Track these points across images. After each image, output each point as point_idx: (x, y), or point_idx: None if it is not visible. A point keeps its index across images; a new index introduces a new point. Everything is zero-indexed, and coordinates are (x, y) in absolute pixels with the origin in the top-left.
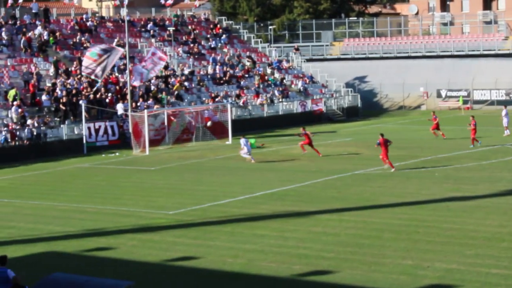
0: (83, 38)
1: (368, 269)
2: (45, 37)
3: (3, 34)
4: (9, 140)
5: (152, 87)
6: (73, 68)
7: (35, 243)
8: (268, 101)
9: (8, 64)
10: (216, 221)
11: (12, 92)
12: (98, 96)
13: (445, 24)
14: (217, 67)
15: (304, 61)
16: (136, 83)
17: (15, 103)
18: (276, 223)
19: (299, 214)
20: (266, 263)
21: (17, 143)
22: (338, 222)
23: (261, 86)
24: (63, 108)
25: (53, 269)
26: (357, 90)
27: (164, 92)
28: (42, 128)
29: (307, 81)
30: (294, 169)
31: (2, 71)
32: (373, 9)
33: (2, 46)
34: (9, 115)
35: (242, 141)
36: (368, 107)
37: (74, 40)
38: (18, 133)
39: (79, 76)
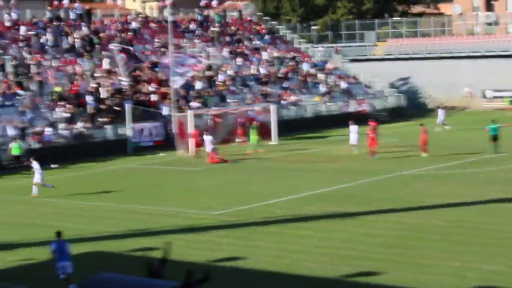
0: (127, 39)
1: (415, 270)
2: (90, 38)
3: (48, 35)
4: (55, 139)
5: (197, 88)
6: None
7: (80, 243)
8: (316, 100)
9: (53, 65)
10: (261, 221)
11: (57, 88)
12: (142, 97)
13: (489, 24)
14: (261, 67)
15: (348, 62)
16: (179, 84)
17: (60, 103)
18: (321, 224)
19: (344, 215)
20: (311, 263)
21: (62, 143)
22: (383, 223)
23: (304, 86)
24: (108, 108)
25: (99, 269)
26: (401, 91)
27: (209, 93)
28: (87, 128)
29: (351, 81)
30: (338, 170)
31: (47, 72)
32: (417, 9)
33: (47, 47)
34: (55, 115)
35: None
36: (412, 107)
37: (118, 40)
38: (63, 133)
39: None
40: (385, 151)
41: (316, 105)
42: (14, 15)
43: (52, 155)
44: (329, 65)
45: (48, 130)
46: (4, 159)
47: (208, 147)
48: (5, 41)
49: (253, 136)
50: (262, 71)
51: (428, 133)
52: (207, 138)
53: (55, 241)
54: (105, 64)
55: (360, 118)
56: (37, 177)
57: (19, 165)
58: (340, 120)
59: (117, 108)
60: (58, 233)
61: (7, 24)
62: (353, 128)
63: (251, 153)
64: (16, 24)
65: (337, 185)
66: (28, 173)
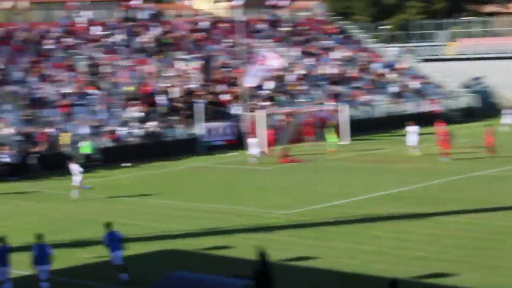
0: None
1: (489, 273)
2: (161, 38)
3: (119, 35)
4: (127, 138)
5: (268, 88)
6: (188, 69)
7: (152, 241)
8: (387, 101)
9: (125, 64)
10: (332, 221)
11: (130, 88)
12: (214, 96)
13: None
14: (331, 67)
15: (419, 61)
16: (250, 84)
17: (133, 102)
18: (393, 224)
19: (417, 215)
20: (384, 264)
21: (134, 142)
22: (456, 224)
23: (375, 86)
24: (180, 108)
25: (171, 267)
26: (473, 91)
27: (279, 92)
28: (159, 127)
29: (423, 81)
30: (410, 170)
31: (118, 72)
32: (489, 8)
33: (119, 47)
34: (127, 114)
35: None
36: (485, 107)
37: (189, 41)
38: (135, 132)
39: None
40: (457, 152)
41: (388, 105)
42: (87, 16)
43: (124, 154)
44: (400, 65)
45: (120, 129)
46: (78, 158)
47: (253, 149)
48: (78, 41)
49: (330, 135)
50: (333, 70)
51: (494, 134)
52: (252, 141)
53: (106, 233)
54: (177, 64)
55: (428, 119)
56: (75, 179)
57: (90, 164)
58: (412, 120)
59: (188, 108)
60: (108, 225)
61: (80, 24)
62: (412, 129)
63: (331, 151)
64: (89, 25)
65: (408, 185)
66: (99, 172)
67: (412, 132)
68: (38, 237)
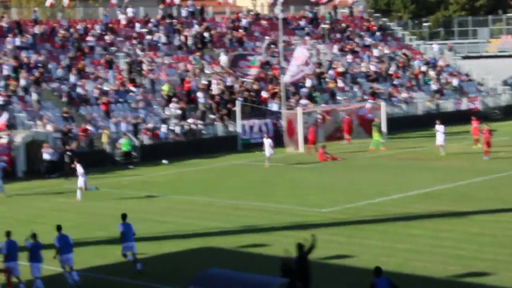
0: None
1: None
2: (201, 36)
3: (160, 32)
4: (167, 136)
5: (307, 85)
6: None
7: (190, 239)
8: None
9: (165, 62)
10: (369, 219)
11: (165, 87)
12: (252, 94)
13: None
14: (371, 64)
15: (460, 59)
16: (289, 81)
17: (173, 100)
18: (431, 223)
19: (454, 214)
20: (421, 263)
21: (173, 139)
22: (495, 223)
23: (415, 84)
24: (219, 105)
25: (208, 265)
26: None
27: (318, 90)
28: (198, 125)
29: (463, 78)
30: (448, 168)
31: (159, 69)
32: None
33: (160, 44)
34: (167, 112)
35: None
36: None
37: (230, 38)
38: (174, 129)
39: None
40: (497, 151)
41: (427, 103)
42: (129, 13)
43: (163, 151)
44: (441, 62)
45: (160, 127)
46: (116, 155)
47: (268, 150)
48: (118, 38)
49: (375, 134)
50: (373, 68)
51: None
52: (267, 142)
53: (122, 224)
54: (221, 61)
55: (468, 117)
56: (80, 181)
57: (129, 161)
58: (452, 118)
59: (226, 105)
60: (124, 216)
61: (122, 22)
62: (440, 128)
63: (374, 149)
64: (130, 22)
65: (446, 183)
66: (138, 169)
67: (438, 131)
68: (58, 228)
